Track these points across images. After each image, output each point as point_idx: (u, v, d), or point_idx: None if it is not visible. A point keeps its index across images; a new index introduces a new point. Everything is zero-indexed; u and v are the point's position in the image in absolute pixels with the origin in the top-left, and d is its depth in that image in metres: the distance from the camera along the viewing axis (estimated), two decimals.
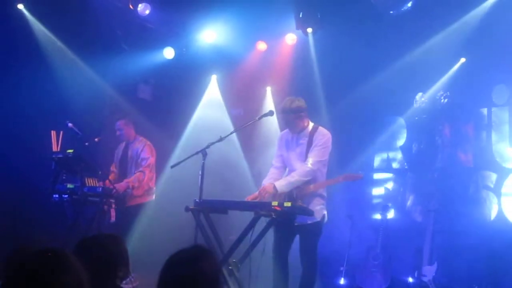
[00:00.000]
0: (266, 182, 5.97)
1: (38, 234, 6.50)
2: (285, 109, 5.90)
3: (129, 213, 7.71)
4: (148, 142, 8.01)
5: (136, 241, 7.67)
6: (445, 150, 8.77)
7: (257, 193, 5.87)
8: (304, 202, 5.70)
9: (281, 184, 5.71)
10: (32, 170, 7.49)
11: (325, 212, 5.91)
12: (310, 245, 5.80)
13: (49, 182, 7.01)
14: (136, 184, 7.71)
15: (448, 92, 8.61)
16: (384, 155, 9.58)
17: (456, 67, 8.57)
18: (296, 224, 5.76)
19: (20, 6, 8.09)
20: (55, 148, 7.09)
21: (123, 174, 7.92)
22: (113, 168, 8.12)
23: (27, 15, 8.17)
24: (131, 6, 8.64)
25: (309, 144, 5.87)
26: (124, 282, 7.66)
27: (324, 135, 5.89)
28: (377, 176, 9.60)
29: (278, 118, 6.67)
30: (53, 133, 7.13)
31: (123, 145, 8.10)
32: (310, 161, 5.75)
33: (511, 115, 8.28)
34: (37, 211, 7.48)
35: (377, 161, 9.66)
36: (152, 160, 7.90)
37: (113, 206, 7.26)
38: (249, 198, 5.88)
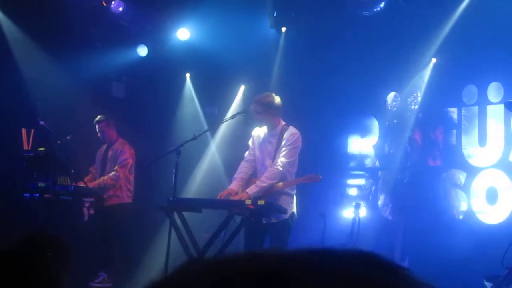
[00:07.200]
0: (237, 177, 6.01)
1: (8, 232, 6.40)
2: (256, 100, 5.94)
3: (107, 212, 7.69)
4: (128, 145, 8.01)
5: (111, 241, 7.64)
6: (413, 155, 8.88)
7: (230, 190, 5.89)
8: (270, 200, 5.72)
9: (254, 191, 5.72)
10: (3, 168, 7.38)
11: (294, 210, 5.91)
12: (279, 244, 5.76)
13: (20, 181, 6.93)
14: (110, 182, 7.69)
15: (418, 98, 8.71)
16: (357, 153, 9.67)
17: (427, 67, 8.68)
18: (264, 222, 5.78)
19: None
20: (26, 146, 7.01)
21: (102, 175, 7.90)
22: (92, 169, 8.08)
23: None
24: (104, 3, 8.57)
25: (279, 143, 5.89)
26: (97, 281, 7.55)
27: (293, 134, 5.90)
28: (349, 174, 9.68)
29: (247, 117, 6.69)
30: (24, 131, 7.05)
31: (104, 147, 8.08)
32: (279, 162, 5.77)
33: (480, 115, 8.43)
34: (8, 210, 7.39)
35: (349, 159, 9.73)
36: (129, 161, 7.89)
37: (86, 205, 7.21)
38: (222, 194, 5.89)
